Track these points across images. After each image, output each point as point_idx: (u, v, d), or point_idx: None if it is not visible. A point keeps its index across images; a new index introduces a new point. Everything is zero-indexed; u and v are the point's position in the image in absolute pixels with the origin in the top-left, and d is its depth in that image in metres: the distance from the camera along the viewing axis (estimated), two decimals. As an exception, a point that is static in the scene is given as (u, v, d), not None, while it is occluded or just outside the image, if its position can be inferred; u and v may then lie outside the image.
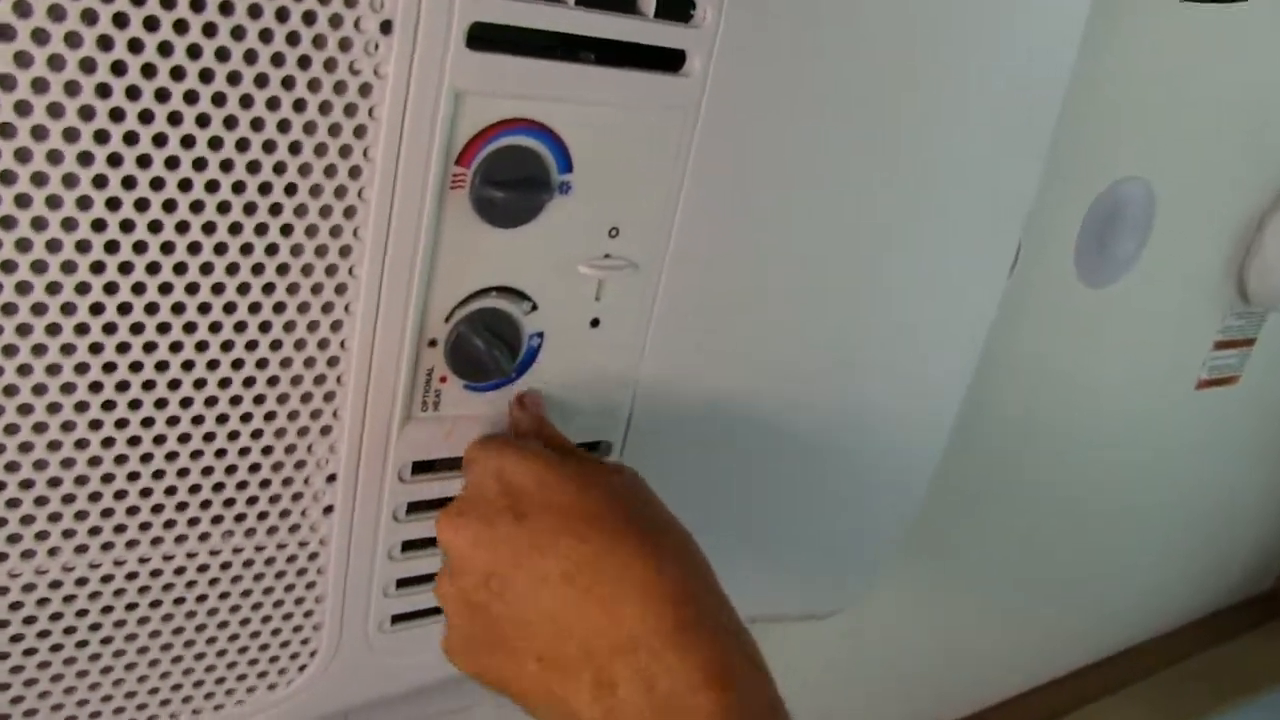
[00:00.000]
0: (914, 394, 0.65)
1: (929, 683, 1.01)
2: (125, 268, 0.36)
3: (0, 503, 0.37)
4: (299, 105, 0.37)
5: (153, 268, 0.36)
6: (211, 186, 0.36)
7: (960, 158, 0.58)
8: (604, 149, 0.44)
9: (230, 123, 0.36)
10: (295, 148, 0.37)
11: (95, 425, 0.37)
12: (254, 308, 0.39)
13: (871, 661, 0.93)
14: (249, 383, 0.40)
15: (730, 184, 0.49)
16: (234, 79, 0.35)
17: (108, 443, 0.38)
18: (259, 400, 0.40)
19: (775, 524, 0.61)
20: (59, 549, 0.39)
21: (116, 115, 0.33)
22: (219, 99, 0.35)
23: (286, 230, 0.38)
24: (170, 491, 0.40)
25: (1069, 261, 0.77)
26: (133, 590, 0.41)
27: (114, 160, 0.34)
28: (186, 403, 0.39)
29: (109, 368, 0.37)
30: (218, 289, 0.38)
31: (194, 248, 0.37)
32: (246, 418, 0.40)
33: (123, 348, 0.37)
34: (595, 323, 0.47)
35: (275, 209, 0.38)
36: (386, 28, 0.37)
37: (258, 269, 0.38)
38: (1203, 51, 0.76)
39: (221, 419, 0.40)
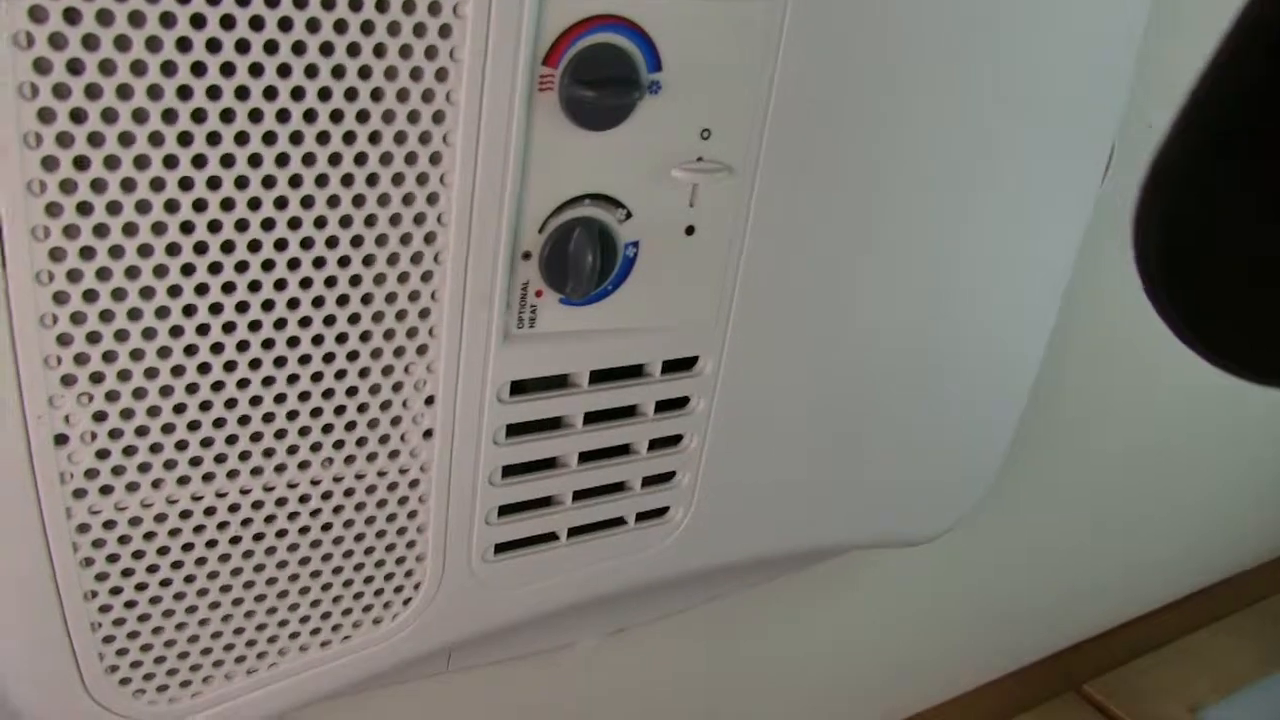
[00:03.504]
0: (1009, 313, 0.63)
1: (1025, 614, 0.99)
2: (213, 183, 0.34)
3: (118, 433, 0.36)
4: (381, 4, 0.35)
5: (240, 182, 0.35)
6: (297, 94, 0.34)
7: (1054, 58, 0.55)
8: (692, 45, 0.42)
9: (313, 25, 0.34)
10: (380, 50, 0.35)
11: (190, 351, 0.36)
12: (345, 221, 0.37)
13: (970, 591, 0.91)
14: (343, 300, 0.38)
15: (819, 83, 0.46)
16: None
17: (203, 369, 0.37)
18: (354, 319, 0.39)
19: (871, 449, 0.59)
20: (162, 480, 0.38)
21: (198, 21, 0.32)
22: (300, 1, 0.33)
23: (374, 138, 0.37)
24: (268, 418, 0.39)
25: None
26: (235, 523, 0.40)
27: (198, 69, 0.32)
28: (280, 324, 0.38)
29: (201, 289, 0.36)
30: (307, 202, 0.36)
31: (281, 159, 0.35)
32: (342, 338, 0.39)
33: (215, 268, 0.35)
34: (690, 230, 0.45)
35: (362, 115, 0.36)
36: (468, -83, 0.35)
37: (347, 180, 0.37)
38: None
39: (317, 340, 0.39)
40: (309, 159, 0.36)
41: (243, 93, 0.33)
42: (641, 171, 0.43)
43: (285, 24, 0.33)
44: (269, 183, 0.35)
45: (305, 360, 0.39)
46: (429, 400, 0.42)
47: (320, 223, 0.37)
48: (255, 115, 0.34)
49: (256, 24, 0.33)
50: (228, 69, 0.33)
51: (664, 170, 0.43)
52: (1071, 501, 0.93)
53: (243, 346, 0.37)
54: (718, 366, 0.49)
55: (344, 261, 0.38)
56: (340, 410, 0.40)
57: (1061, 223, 0.62)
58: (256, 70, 0.33)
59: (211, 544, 0.40)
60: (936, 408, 0.61)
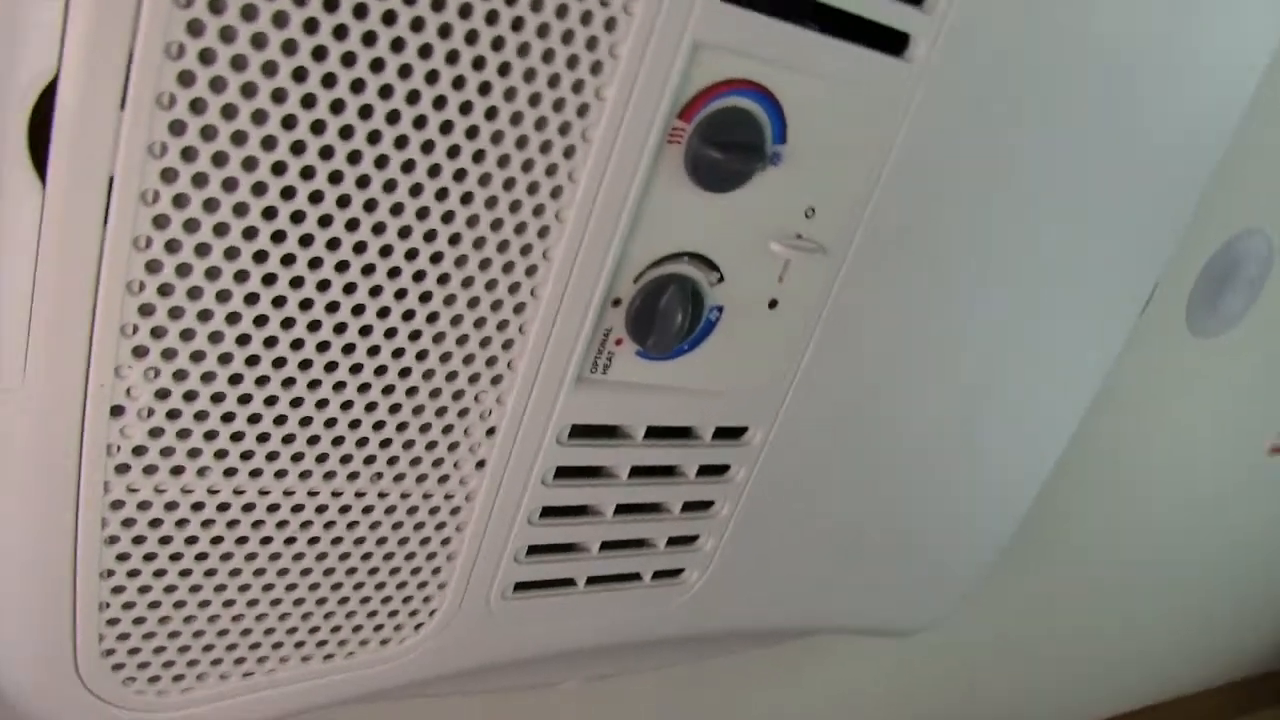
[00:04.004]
0: (1032, 425, 0.63)
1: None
2: (335, 177, 0.33)
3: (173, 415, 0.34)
4: (542, 30, 0.34)
5: (362, 181, 0.33)
6: (439, 103, 0.33)
7: (1115, 201, 0.56)
8: (818, 124, 0.41)
9: (471, 38, 0.33)
10: (530, 75, 0.34)
11: (270, 343, 0.35)
12: (454, 239, 0.36)
13: (935, 683, 0.91)
14: (432, 318, 0.37)
15: (922, 181, 0.46)
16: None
17: (278, 363, 0.35)
18: (438, 339, 0.37)
19: (880, 540, 0.59)
20: (208, 469, 0.36)
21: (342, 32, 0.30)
22: (465, 11, 0.32)
23: (503, 161, 0.35)
24: (330, 424, 0.37)
25: (1181, 307, 0.75)
26: (270, 524, 0.38)
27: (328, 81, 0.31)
28: (366, 331, 0.36)
29: (296, 282, 0.34)
30: (422, 214, 0.35)
31: (407, 166, 0.34)
32: (422, 355, 0.37)
33: (315, 263, 0.34)
34: (773, 304, 0.45)
35: (497, 137, 0.35)
36: (644, -40, 0.34)
37: (466, 198, 0.35)
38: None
39: (398, 353, 0.37)
40: (434, 171, 0.34)
41: (386, 91, 0.32)
42: (743, 239, 0.42)
43: (445, 31, 0.32)
44: (390, 186, 0.34)
45: (381, 371, 0.37)
46: (490, 431, 0.40)
47: (430, 236, 0.35)
48: (393, 116, 0.32)
49: (417, 24, 0.31)
50: (377, 65, 0.31)
51: (763, 241, 0.43)
52: (1042, 609, 0.94)
53: (323, 347, 0.36)
54: (765, 440, 0.48)
55: (443, 279, 0.36)
56: (403, 427, 0.38)
57: (1098, 349, 0.63)
58: (405, 72, 0.32)
59: (241, 541, 0.38)
60: (946, 506, 0.61)
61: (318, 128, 0.32)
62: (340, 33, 0.30)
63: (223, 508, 0.37)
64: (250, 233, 0.32)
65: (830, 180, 0.43)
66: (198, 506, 0.37)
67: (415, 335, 0.37)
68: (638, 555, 0.48)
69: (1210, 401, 0.86)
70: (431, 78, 0.32)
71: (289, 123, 0.31)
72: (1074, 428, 0.67)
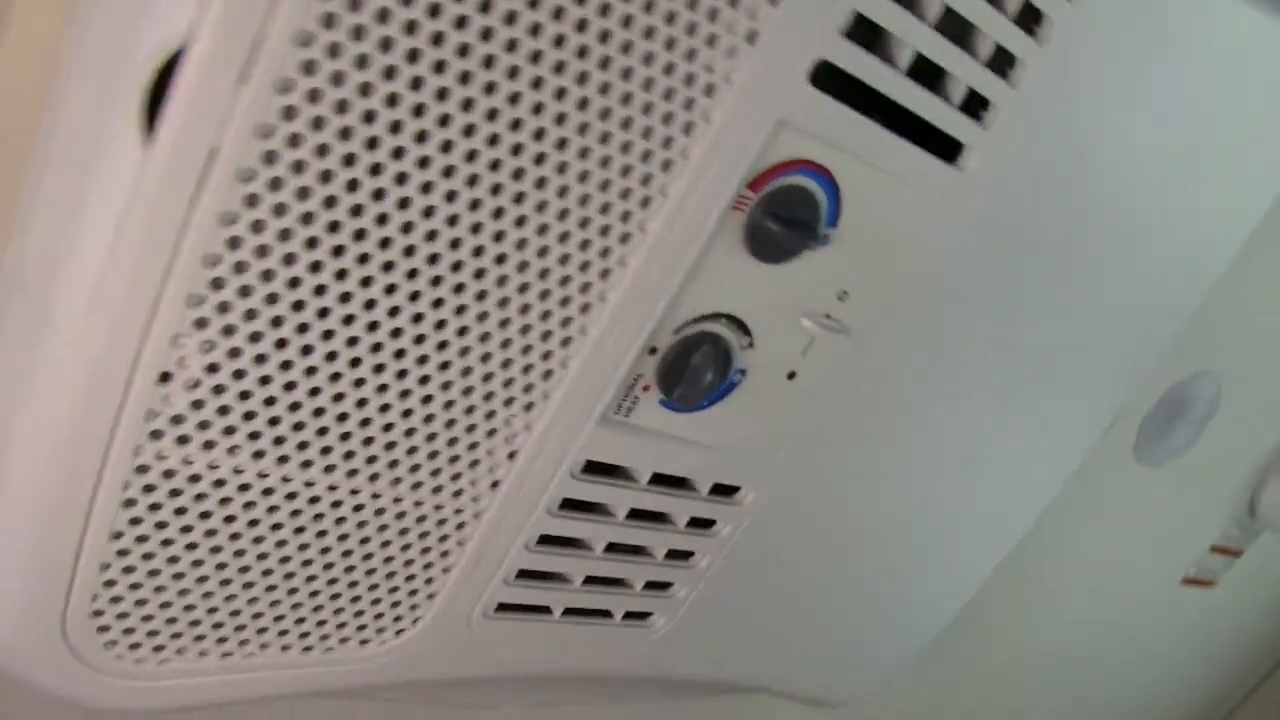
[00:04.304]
0: (980, 529, 0.66)
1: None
2: (427, 187, 0.33)
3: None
4: (648, 84, 0.35)
5: (451, 195, 0.34)
6: (539, 134, 0.34)
7: (1098, 332, 0.60)
8: (868, 214, 0.43)
9: (582, 78, 0.34)
10: (627, 123, 0.35)
11: (327, 335, 0.35)
12: (522, 266, 0.37)
13: None
14: (485, 338, 0.38)
15: (949, 287, 0.48)
16: (604, 38, 0.33)
17: (330, 357, 0.35)
18: (485, 359, 0.38)
19: (831, 610, 0.61)
20: (238, 449, 0.36)
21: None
22: (582, 52, 0.33)
23: (584, 201, 0.36)
24: (365, 423, 0.38)
25: (1132, 433, 0.79)
26: (286, 512, 0.38)
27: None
28: (420, 340, 0.37)
29: (365, 281, 0.34)
30: (499, 236, 0.36)
31: (496, 188, 0.35)
32: (467, 372, 0.38)
33: (387, 266, 0.34)
34: (792, 375, 0.46)
35: (584, 176, 0.36)
36: (751, 37, 0.36)
37: (543, 229, 0.36)
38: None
39: (444, 366, 0.38)
40: (519, 198, 0.35)
41: (493, 114, 0.33)
42: (778, 310, 0.44)
43: (559, 67, 0.33)
44: (474, 205, 0.34)
45: (424, 381, 0.38)
46: (511, 455, 0.41)
47: (500, 259, 0.36)
48: (493, 139, 0.33)
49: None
50: (490, 88, 0.32)
51: (796, 315, 0.44)
52: (978, 690, 0.96)
53: (376, 348, 0.36)
54: (754, 503, 0.50)
55: (503, 303, 0.37)
56: (432, 438, 0.39)
57: (1053, 469, 0.66)
58: (516, 99, 0.33)
59: (253, 524, 0.38)
60: (895, 590, 0.63)
61: (421, 137, 0.32)
62: (464, 52, 0.31)
63: (243, 488, 0.37)
64: (334, 226, 0.33)
65: (867, 268, 0.45)
66: (219, 483, 0.36)
67: (465, 351, 0.38)
68: (615, 594, 0.49)
69: (1140, 527, 0.90)
70: (538, 109, 0.33)
71: (395, 127, 0.32)
72: (1016, 539, 0.69)
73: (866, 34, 0.39)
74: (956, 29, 0.41)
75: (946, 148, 0.44)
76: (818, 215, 0.42)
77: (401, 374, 0.37)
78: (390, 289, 0.35)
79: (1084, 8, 0.43)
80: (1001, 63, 0.43)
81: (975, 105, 0.43)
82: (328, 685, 0.44)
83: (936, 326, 0.50)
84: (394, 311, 0.35)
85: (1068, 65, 0.45)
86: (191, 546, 0.37)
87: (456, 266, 0.35)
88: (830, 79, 0.39)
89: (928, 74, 0.41)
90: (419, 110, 0.32)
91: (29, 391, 0.34)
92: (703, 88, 0.36)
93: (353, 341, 0.35)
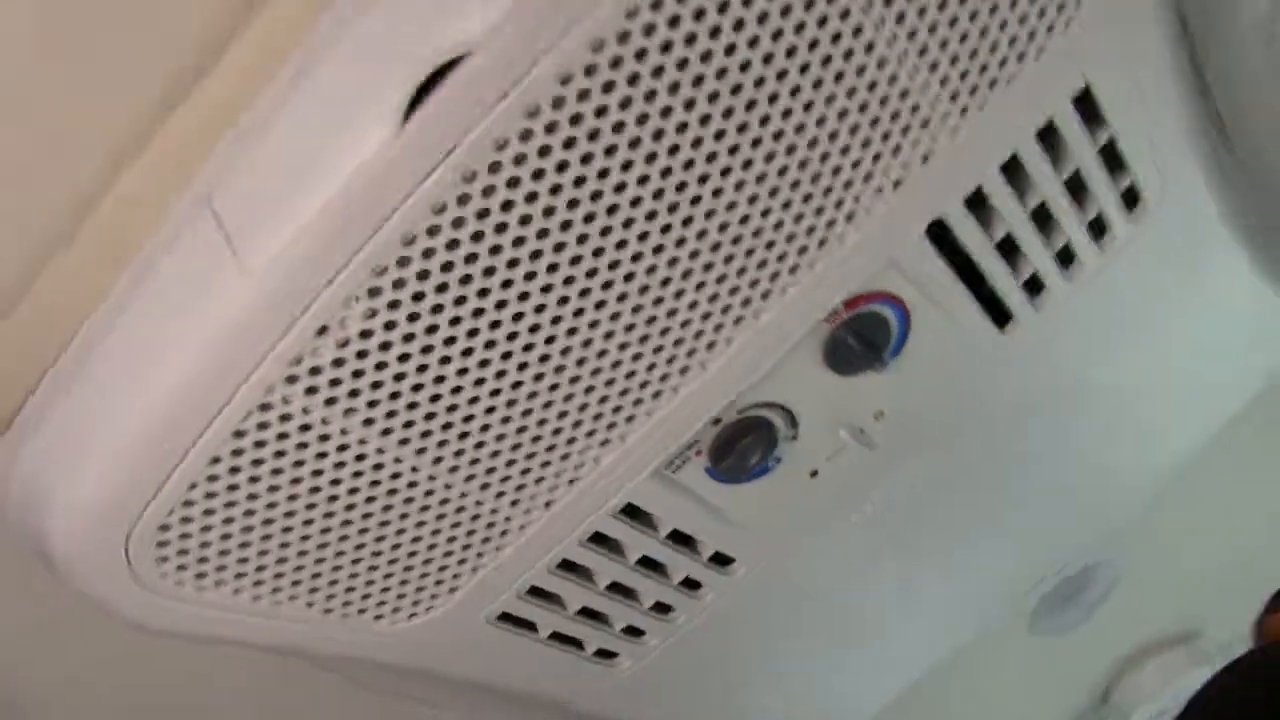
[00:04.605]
0: (884, 664, 0.72)
1: None
2: (605, 231, 0.37)
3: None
4: (807, 197, 0.40)
5: (621, 244, 0.38)
6: (685, 222, 0.38)
7: (1037, 519, 0.67)
8: (926, 352, 0.49)
9: (741, 189, 0.38)
10: (779, 225, 0.40)
11: (473, 333, 0.38)
12: (650, 320, 0.40)
13: None
14: (596, 373, 0.41)
15: (950, 434, 0.54)
16: (788, 151, 0.38)
17: (483, 364, 0.38)
18: (590, 390, 0.42)
19: (756, 690, 0.65)
20: (354, 411, 0.38)
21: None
22: (747, 166, 0.38)
23: (721, 280, 0.41)
24: (468, 420, 0.40)
25: (1031, 604, 0.86)
26: (384, 481, 0.40)
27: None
28: (545, 359, 0.40)
29: (524, 296, 0.38)
30: (643, 290, 0.39)
31: (658, 249, 0.38)
32: (569, 398, 0.41)
33: (563, 289, 0.38)
34: (814, 474, 0.51)
35: (728, 261, 0.40)
36: (898, 184, 0.41)
37: (679, 294, 0.40)
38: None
39: (554, 388, 0.41)
40: (659, 250, 0.39)
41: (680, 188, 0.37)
42: (826, 415, 0.49)
43: (725, 172, 0.38)
44: (637, 257, 0.38)
45: (532, 396, 0.41)
46: (572, 481, 0.44)
47: (636, 309, 0.40)
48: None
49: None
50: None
51: (837, 422, 0.49)
52: None
53: (506, 357, 0.39)
54: (741, 579, 0.54)
55: (623, 347, 0.41)
56: (516, 448, 0.42)
57: (953, 632, 0.72)
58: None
59: (335, 483, 0.40)
60: (820, 683, 0.68)
61: (611, 210, 0.36)
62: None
63: (341, 449, 0.39)
64: (519, 241, 0.36)
65: (907, 398, 0.50)
66: (324, 439, 0.39)
67: (575, 380, 0.41)
68: (597, 629, 0.52)
69: (1013, 688, 0.97)
70: (695, 200, 0.38)
71: (595, 196, 0.36)
72: (923, 669, 0.75)
73: (978, 206, 0.44)
74: (1040, 219, 0.47)
75: (1000, 315, 0.50)
76: (888, 343, 0.47)
77: (516, 385, 0.40)
78: (540, 309, 0.38)
79: (1145, 231, 0.50)
80: (1067, 259, 0.49)
81: (1035, 288, 0.49)
82: (327, 650, 0.46)
83: (936, 464, 0.56)
84: (534, 329, 0.39)
85: (1112, 280, 0.51)
86: (273, 489, 0.39)
87: (600, 305, 0.39)
88: (938, 234, 0.44)
89: (1005, 249, 0.47)
90: (624, 186, 0.36)
91: (190, 305, 0.36)
92: (846, 214, 0.41)
93: (490, 345, 0.38)
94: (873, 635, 0.69)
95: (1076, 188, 0.46)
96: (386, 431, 0.39)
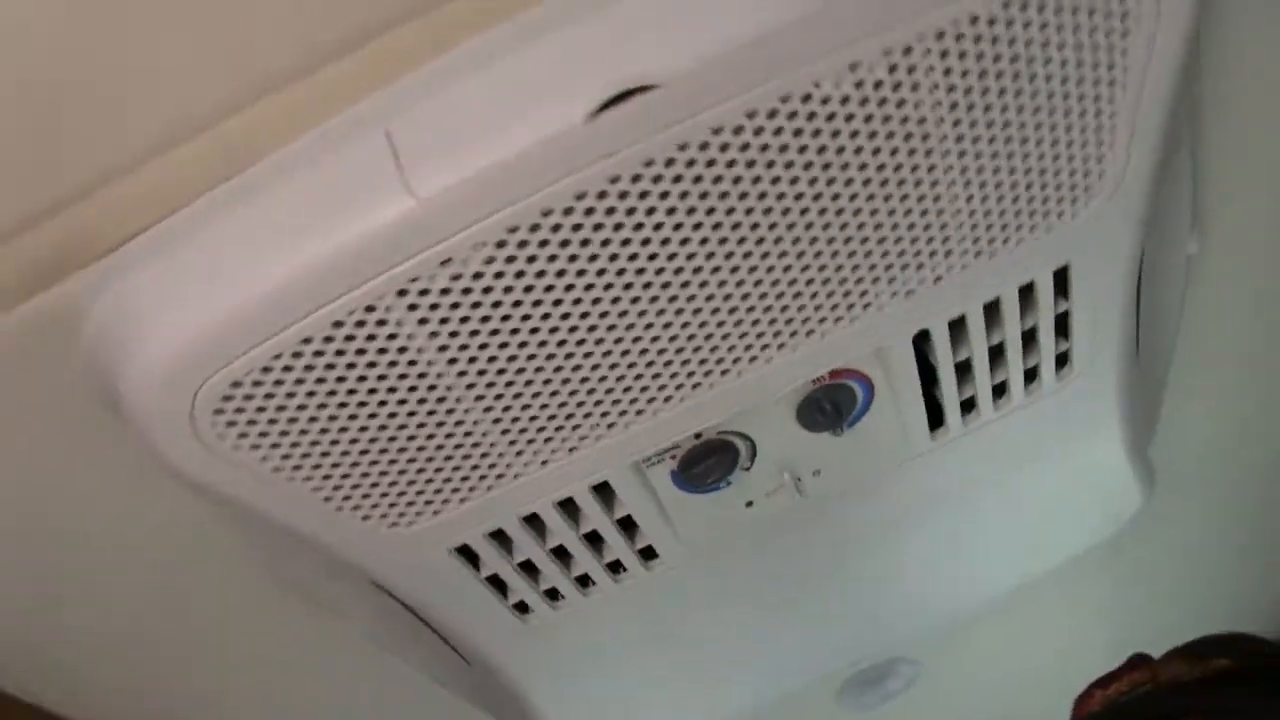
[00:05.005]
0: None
1: None
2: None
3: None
4: (827, 284, 0.48)
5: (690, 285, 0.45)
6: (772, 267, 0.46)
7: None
8: (872, 431, 0.58)
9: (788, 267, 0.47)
10: (798, 297, 0.48)
11: (557, 303, 0.45)
12: (691, 338, 0.48)
13: None
14: (637, 377, 0.48)
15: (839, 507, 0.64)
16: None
17: (546, 317, 0.45)
18: (625, 388, 0.49)
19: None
20: (446, 349, 0.44)
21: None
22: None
23: (753, 325, 0.49)
24: (521, 372, 0.47)
25: (840, 680, 0.97)
26: (425, 402, 0.46)
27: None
28: (606, 354, 0.47)
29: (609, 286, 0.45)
30: (661, 311, 0.47)
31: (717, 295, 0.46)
32: (603, 380, 0.48)
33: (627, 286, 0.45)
34: (749, 504, 0.59)
35: (764, 315, 0.48)
36: (909, 294, 0.50)
37: (703, 326, 0.48)
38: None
39: (604, 371, 0.48)
40: (725, 280, 0.47)
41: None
42: (780, 457, 0.57)
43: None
44: (708, 298, 0.46)
45: (575, 369, 0.47)
46: (572, 449, 0.51)
47: (684, 310, 0.47)
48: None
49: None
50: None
51: (784, 467, 0.58)
52: None
53: (579, 344, 0.46)
54: (661, 573, 0.62)
55: (660, 352, 0.48)
56: (543, 407, 0.48)
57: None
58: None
59: (400, 403, 0.45)
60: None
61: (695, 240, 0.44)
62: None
63: (411, 363, 0.45)
64: (625, 243, 0.43)
65: (844, 464, 0.59)
66: (402, 350, 0.44)
67: (613, 367, 0.48)
68: (526, 583, 0.59)
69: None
70: (774, 255, 0.46)
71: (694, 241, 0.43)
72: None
73: (957, 329, 0.54)
74: (993, 355, 0.57)
75: (935, 421, 0.60)
76: (851, 413, 0.56)
77: (568, 357, 0.46)
78: (615, 301, 0.45)
79: (1064, 389, 0.60)
80: (1000, 392, 0.59)
81: (969, 407, 0.60)
82: (325, 540, 0.51)
83: (830, 527, 0.65)
84: (604, 315, 0.45)
85: (1023, 419, 0.62)
86: (340, 381, 0.44)
87: (660, 312, 0.46)
88: (919, 339, 0.54)
89: (960, 369, 0.57)
90: (720, 226, 0.43)
91: (341, 202, 0.41)
92: (866, 304, 0.50)
93: (565, 317, 0.45)
94: (710, 663, 0.78)
95: (1028, 339, 0.57)
96: (453, 360, 0.45)
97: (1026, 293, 0.54)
